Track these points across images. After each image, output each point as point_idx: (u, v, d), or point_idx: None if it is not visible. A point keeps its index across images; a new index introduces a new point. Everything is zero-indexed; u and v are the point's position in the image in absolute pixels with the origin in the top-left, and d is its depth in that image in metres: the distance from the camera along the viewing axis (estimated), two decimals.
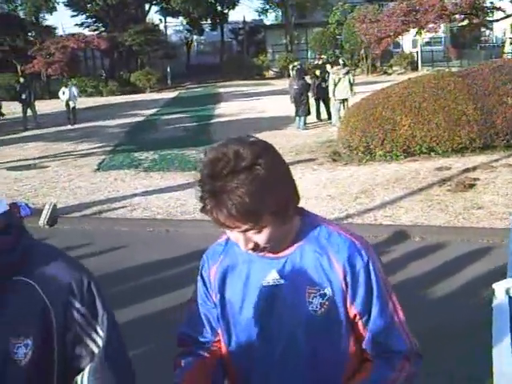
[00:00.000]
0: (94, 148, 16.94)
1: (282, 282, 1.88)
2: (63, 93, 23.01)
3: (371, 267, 1.86)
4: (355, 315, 1.88)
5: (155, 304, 6.19)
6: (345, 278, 1.85)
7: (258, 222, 1.73)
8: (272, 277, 1.89)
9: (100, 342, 1.78)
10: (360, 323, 1.89)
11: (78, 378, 1.78)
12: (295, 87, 18.21)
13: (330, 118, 18.79)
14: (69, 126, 21.93)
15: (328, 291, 1.86)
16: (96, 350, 1.78)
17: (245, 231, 1.76)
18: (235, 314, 1.96)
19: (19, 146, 18.12)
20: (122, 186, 12.13)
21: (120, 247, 7.91)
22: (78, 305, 1.76)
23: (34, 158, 15.79)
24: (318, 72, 19.91)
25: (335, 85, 17.60)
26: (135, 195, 11.14)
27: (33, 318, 1.73)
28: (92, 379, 1.77)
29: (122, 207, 10.36)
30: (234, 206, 1.66)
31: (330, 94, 17.93)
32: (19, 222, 1.82)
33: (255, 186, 1.67)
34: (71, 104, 22.71)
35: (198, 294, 2.08)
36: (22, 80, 23.70)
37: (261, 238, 1.78)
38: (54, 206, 9.53)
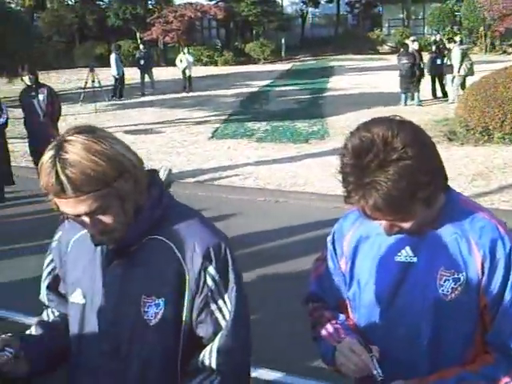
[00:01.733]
0: (209, 116, 17.26)
1: (415, 260, 1.83)
2: (180, 60, 23.46)
3: None
4: (485, 305, 1.78)
5: (269, 270, 6.34)
6: (482, 265, 1.76)
7: (406, 214, 1.69)
8: (405, 253, 1.84)
9: (226, 313, 1.80)
10: (489, 314, 1.79)
11: (206, 352, 1.81)
12: (404, 62, 17.76)
13: (444, 95, 18.29)
14: (184, 94, 22.40)
15: (462, 276, 1.78)
16: (222, 321, 1.80)
17: (391, 221, 1.72)
18: (363, 286, 1.92)
19: (136, 110, 18.71)
20: (235, 154, 12.35)
21: (232, 214, 8.11)
22: (212, 271, 1.78)
23: (151, 123, 16.26)
24: (433, 48, 19.33)
25: (462, 61, 17.01)
26: (247, 164, 11.33)
27: (167, 279, 1.78)
28: (217, 354, 1.79)
29: (235, 175, 10.58)
30: (382, 199, 1.61)
31: (455, 70, 17.33)
32: (161, 182, 1.87)
33: (405, 179, 1.59)
34: (187, 72, 23.16)
35: (328, 257, 2.06)
36: (141, 47, 24.34)
37: (407, 224, 1.74)
38: (170, 170, 9.84)
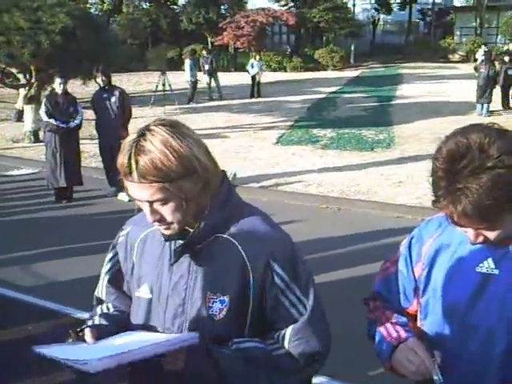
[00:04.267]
0: (275, 122, 17.33)
1: (496, 272, 1.79)
2: (252, 66, 23.59)
3: None
4: None
5: (329, 278, 6.35)
6: None
7: (495, 223, 1.65)
8: (487, 265, 1.81)
9: (302, 309, 1.85)
10: None
11: (280, 334, 1.87)
12: (482, 71, 17.46)
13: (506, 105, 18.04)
14: (252, 99, 22.55)
15: None
16: (298, 316, 1.85)
17: (478, 229, 1.70)
18: (438, 294, 1.90)
19: (204, 115, 18.92)
20: (300, 161, 12.38)
21: (294, 221, 8.14)
22: (278, 269, 1.84)
23: (217, 128, 16.43)
24: (506, 58, 18.90)
25: None
26: (311, 171, 11.34)
27: (231, 276, 1.84)
28: (293, 339, 1.85)
29: (298, 182, 10.61)
30: (472, 206, 1.58)
31: None
32: (230, 182, 1.94)
33: (497, 189, 1.56)
34: (257, 78, 23.30)
35: (400, 260, 2.05)
36: (204, 53, 24.33)
37: (493, 234, 1.70)
38: (234, 175, 9.98)
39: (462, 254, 1.86)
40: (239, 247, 1.85)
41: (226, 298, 1.84)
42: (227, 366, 1.79)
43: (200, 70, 22.93)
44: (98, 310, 2.15)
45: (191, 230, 1.85)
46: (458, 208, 1.60)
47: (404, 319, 2.00)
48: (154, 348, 1.69)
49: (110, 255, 2.12)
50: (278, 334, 1.88)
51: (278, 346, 1.86)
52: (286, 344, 1.86)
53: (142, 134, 1.74)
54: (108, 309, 2.14)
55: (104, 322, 2.04)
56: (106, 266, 2.12)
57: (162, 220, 1.80)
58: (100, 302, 2.17)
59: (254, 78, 23.37)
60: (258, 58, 24.41)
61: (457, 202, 1.59)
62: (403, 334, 1.91)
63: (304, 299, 1.87)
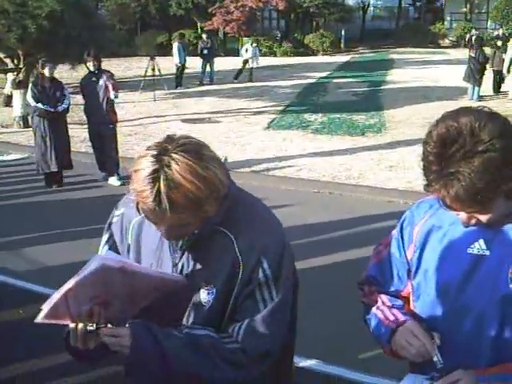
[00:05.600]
0: (266, 107, 17.30)
1: (488, 253, 1.80)
2: (246, 50, 23.56)
3: None
4: None
5: (321, 261, 6.37)
6: None
7: (487, 206, 1.66)
8: (478, 246, 1.81)
9: (270, 305, 1.86)
10: None
11: (237, 325, 1.87)
12: (471, 55, 17.46)
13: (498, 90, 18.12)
14: (243, 84, 22.42)
15: None
16: (262, 311, 1.86)
17: (471, 213, 1.71)
18: (430, 275, 1.91)
19: (195, 99, 18.85)
20: (290, 145, 12.37)
21: (286, 205, 8.13)
22: (265, 265, 1.84)
23: (208, 113, 16.39)
24: (499, 42, 18.93)
25: None
26: (302, 156, 11.34)
27: (222, 269, 1.85)
28: (248, 332, 1.85)
29: (289, 166, 10.61)
30: (464, 190, 1.59)
31: (504, 69, 17.01)
32: (228, 173, 1.90)
33: (489, 172, 1.57)
34: (250, 63, 23.26)
35: (392, 244, 2.05)
36: (204, 37, 24.25)
37: (486, 217, 1.72)
38: (225, 159, 9.94)
39: (453, 235, 1.87)
40: (234, 241, 1.85)
41: (215, 290, 1.86)
42: (168, 344, 1.80)
43: (192, 55, 22.81)
44: None
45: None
46: (451, 192, 1.61)
47: (400, 302, 2.01)
48: (153, 271, 1.87)
49: (106, 236, 2.10)
50: (234, 325, 1.88)
51: (230, 340, 1.86)
52: (239, 337, 1.86)
53: (164, 163, 1.66)
54: None
55: None
56: (104, 248, 2.10)
57: (176, 237, 1.83)
58: None
59: (245, 62, 23.28)
60: (254, 44, 24.29)
61: (449, 186, 1.60)
62: (401, 317, 1.92)
63: (275, 298, 1.86)
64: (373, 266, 2.13)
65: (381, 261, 2.09)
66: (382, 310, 1.99)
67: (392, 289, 2.06)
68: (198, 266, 1.88)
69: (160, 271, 1.89)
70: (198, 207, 1.71)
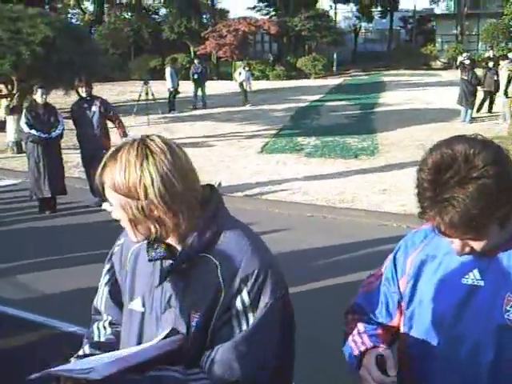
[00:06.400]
0: (259, 130, 17.36)
1: (482, 283, 1.79)
2: (239, 73, 23.78)
3: None
4: None
5: (315, 286, 6.35)
6: None
7: (482, 233, 1.67)
8: (473, 276, 1.80)
9: (244, 332, 1.81)
10: None
11: (211, 353, 1.82)
12: (464, 78, 17.58)
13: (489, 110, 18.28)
14: (236, 108, 22.47)
15: None
16: (236, 337, 1.81)
17: (465, 239, 1.71)
18: (425, 305, 1.90)
19: (188, 124, 18.92)
20: (284, 169, 12.40)
21: (279, 229, 8.13)
22: (244, 293, 1.82)
23: (201, 137, 16.42)
24: (491, 64, 19.08)
25: (509, 81, 16.69)
26: (296, 179, 11.36)
27: (206, 296, 1.83)
28: (217, 360, 1.81)
29: (283, 190, 10.62)
30: (459, 217, 1.60)
31: (501, 91, 17.10)
32: (217, 199, 1.92)
33: (483, 198, 1.58)
34: (244, 86, 23.46)
35: (384, 273, 2.04)
36: (196, 62, 24.51)
37: (479, 244, 1.72)
38: (219, 184, 9.97)
39: (447, 265, 1.86)
40: (218, 269, 1.83)
41: (199, 317, 1.84)
42: None
43: (184, 79, 22.95)
44: (95, 330, 2.14)
45: (178, 249, 1.86)
46: (445, 218, 1.61)
47: (373, 326, 2.00)
48: (145, 351, 1.79)
49: (107, 266, 2.12)
50: (205, 355, 1.84)
51: (198, 376, 1.82)
52: (206, 366, 1.82)
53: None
54: (105, 328, 2.13)
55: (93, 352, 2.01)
56: (105, 278, 2.12)
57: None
58: (98, 312, 2.16)
59: (241, 84, 23.50)
60: (246, 68, 24.55)
61: (444, 212, 1.61)
62: (367, 342, 1.92)
63: (251, 325, 1.82)
64: (361, 294, 2.12)
65: (370, 291, 2.08)
66: (355, 340, 1.97)
67: (378, 320, 2.04)
68: (187, 295, 1.86)
69: (157, 344, 1.82)
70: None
